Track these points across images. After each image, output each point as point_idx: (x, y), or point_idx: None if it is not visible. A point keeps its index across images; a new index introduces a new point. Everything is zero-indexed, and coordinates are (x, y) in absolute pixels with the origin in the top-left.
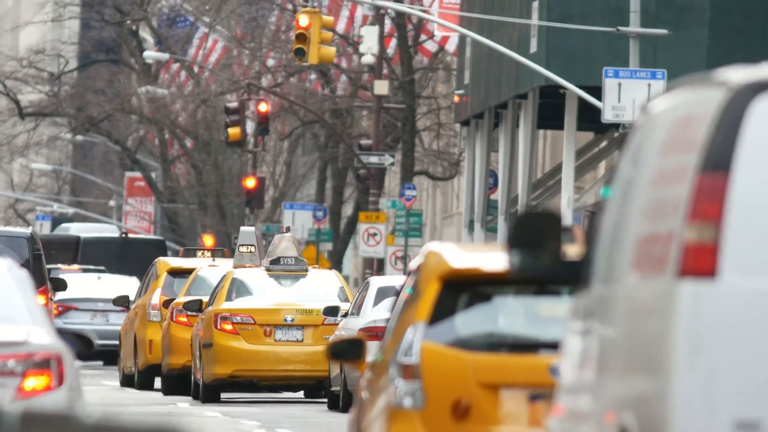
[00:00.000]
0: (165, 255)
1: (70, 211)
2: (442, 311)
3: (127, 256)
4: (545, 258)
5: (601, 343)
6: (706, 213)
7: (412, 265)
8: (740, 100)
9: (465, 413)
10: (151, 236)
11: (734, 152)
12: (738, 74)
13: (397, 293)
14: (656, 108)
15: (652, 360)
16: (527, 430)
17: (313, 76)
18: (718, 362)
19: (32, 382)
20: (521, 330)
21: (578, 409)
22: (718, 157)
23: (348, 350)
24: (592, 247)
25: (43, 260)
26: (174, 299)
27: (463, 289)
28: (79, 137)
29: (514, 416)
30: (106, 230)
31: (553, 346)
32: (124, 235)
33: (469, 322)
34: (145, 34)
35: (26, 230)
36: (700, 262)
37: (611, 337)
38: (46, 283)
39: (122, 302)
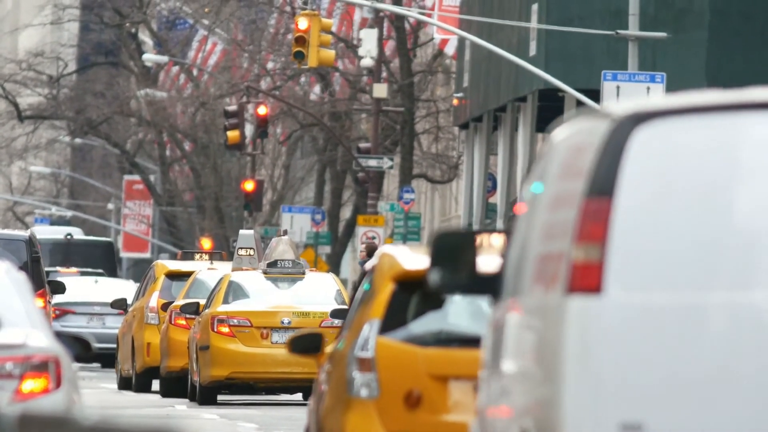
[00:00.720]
0: (113, 257)
1: (69, 214)
2: (395, 309)
3: (72, 257)
4: (462, 274)
5: (506, 354)
6: (591, 235)
7: (368, 266)
8: (622, 130)
9: (417, 403)
10: (100, 238)
11: (617, 179)
12: (621, 107)
13: (354, 291)
14: (557, 137)
15: (546, 369)
16: (473, 418)
17: (303, 80)
18: (603, 370)
19: (30, 385)
20: (467, 327)
21: (495, 414)
22: (602, 184)
23: (308, 344)
24: (504, 263)
25: (42, 263)
26: (171, 302)
27: (415, 289)
28: (78, 140)
29: (462, 405)
30: (58, 232)
31: None
32: (69, 237)
33: (420, 319)
34: (145, 36)
35: (25, 233)
36: (587, 279)
37: (515, 347)
38: (45, 286)
39: (120, 305)
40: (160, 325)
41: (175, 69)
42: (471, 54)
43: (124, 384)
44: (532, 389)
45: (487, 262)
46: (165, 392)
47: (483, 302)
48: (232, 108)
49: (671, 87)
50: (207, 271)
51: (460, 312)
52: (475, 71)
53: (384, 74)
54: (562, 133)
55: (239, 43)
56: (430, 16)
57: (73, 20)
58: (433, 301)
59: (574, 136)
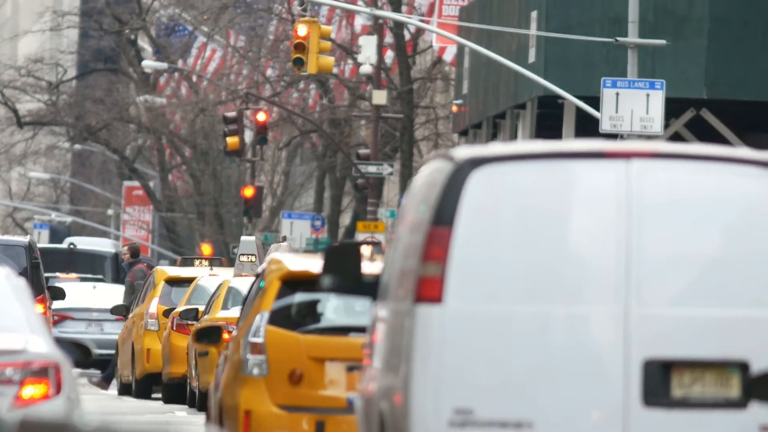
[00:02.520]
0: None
1: (68, 219)
2: (281, 303)
3: (74, 266)
4: (349, 279)
5: (378, 347)
6: (434, 256)
7: (259, 270)
8: (462, 172)
9: (299, 380)
10: (103, 249)
11: (456, 211)
12: (462, 152)
13: (248, 292)
14: (421, 172)
15: (399, 363)
16: (345, 392)
17: (301, 85)
18: (442, 366)
19: (30, 391)
20: (340, 318)
21: (369, 396)
22: (444, 215)
23: (209, 335)
24: (382, 271)
25: (41, 269)
26: (172, 308)
27: (298, 287)
28: (78, 146)
29: (336, 382)
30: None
31: (364, 330)
32: (72, 246)
33: (302, 311)
34: (144, 43)
35: (24, 239)
36: (430, 292)
37: (382, 343)
38: (44, 291)
39: (120, 311)
40: (160, 331)
41: (175, 75)
42: (470, 61)
43: (124, 390)
44: (389, 378)
45: (368, 269)
46: (167, 398)
47: (356, 299)
48: (232, 114)
49: (671, 94)
50: (209, 277)
51: (335, 306)
52: (474, 78)
53: (383, 81)
54: (423, 170)
55: (238, 49)
56: (429, 23)
57: (73, 27)
58: (312, 296)
59: (429, 174)
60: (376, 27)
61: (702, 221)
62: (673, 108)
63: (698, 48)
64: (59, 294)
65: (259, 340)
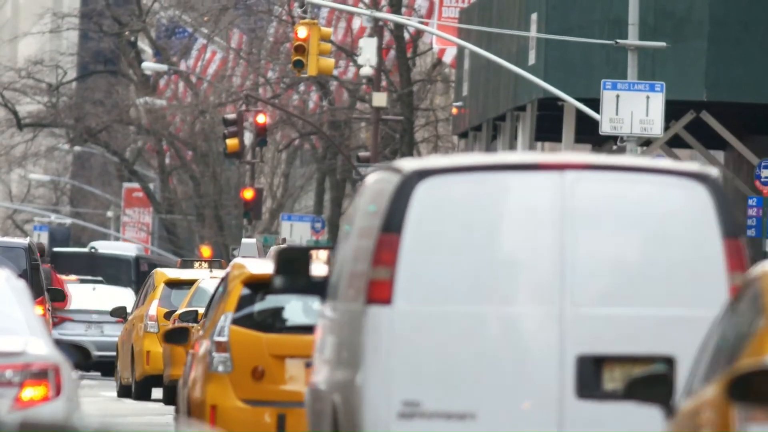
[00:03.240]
0: (137, 270)
1: (68, 221)
2: (244, 304)
3: (95, 269)
4: (299, 280)
5: (328, 343)
6: (383, 260)
7: (223, 274)
8: (409, 183)
9: (261, 376)
10: (124, 252)
11: (404, 219)
12: (409, 164)
13: (213, 294)
14: (367, 182)
15: (352, 358)
16: (305, 387)
17: (302, 88)
18: (392, 362)
19: (30, 393)
20: (299, 318)
21: (319, 388)
22: (393, 223)
23: (178, 336)
24: (330, 272)
25: (41, 270)
26: (172, 311)
27: (259, 289)
28: (77, 148)
29: (295, 378)
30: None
31: None
32: (93, 250)
33: (263, 312)
34: (144, 45)
35: (24, 241)
36: (380, 294)
37: (332, 339)
38: (44, 293)
39: (119, 313)
40: (160, 333)
41: (175, 77)
42: (470, 63)
43: (124, 392)
44: (341, 373)
45: (317, 271)
46: (168, 400)
47: (313, 300)
48: (232, 116)
49: (670, 96)
50: (210, 279)
51: (294, 306)
52: (474, 80)
53: (383, 83)
54: (370, 179)
55: (239, 51)
56: (428, 25)
57: (73, 29)
58: (273, 297)
59: (377, 184)
60: (376, 29)
61: (630, 228)
62: (673, 110)
63: (698, 50)
64: (59, 296)
65: (223, 339)
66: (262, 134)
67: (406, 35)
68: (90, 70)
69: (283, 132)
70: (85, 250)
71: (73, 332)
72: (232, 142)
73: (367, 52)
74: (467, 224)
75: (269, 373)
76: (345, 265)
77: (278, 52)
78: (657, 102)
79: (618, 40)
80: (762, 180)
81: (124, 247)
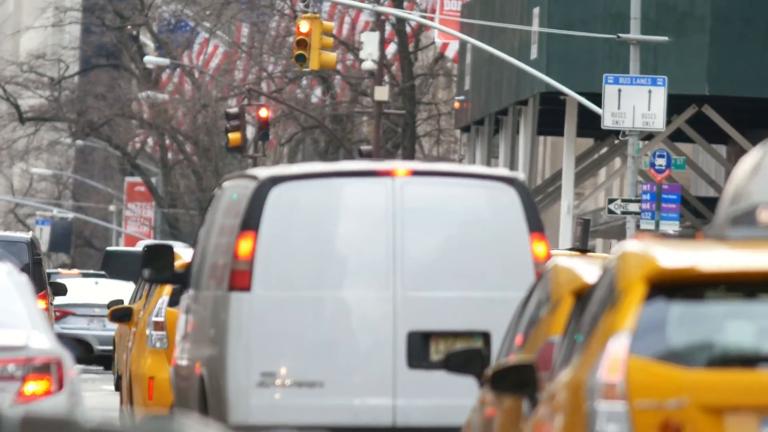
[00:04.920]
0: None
1: (70, 215)
2: (176, 290)
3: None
4: (164, 272)
5: (192, 325)
6: (243, 254)
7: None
8: (264, 187)
9: None
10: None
11: (260, 219)
12: (263, 172)
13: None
14: (224, 186)
15: (217, 337)
16: None
17: (304, 83)
18: (251, 340)
19: (32, 387)
20: None
21: (183, 365)
22: (250, 222)
23: (122, 314)
24: (190, 266)
25: (43, 265)
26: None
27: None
28: (80, 142)
29: None
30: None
31: None
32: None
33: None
34: (146, 39)
35: (26, 235)
36: (240, 282)
37: (197, 321)
38: (46, 287)
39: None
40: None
41: (177, 71)
42: (472, 57)
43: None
44: (207, 350)
45: (179, 263)
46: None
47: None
48: (234, 110)
49: (672, 90)
50: None
51: None
52: (476, 74)
53: (385, 77)
54: (227, 184)
55: (240, 45)
56: (431, 19)
57: (75, 22)
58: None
59: (234, 188)
60: (378, 23)
61: (451, 224)
62: (675, 104)
63: (700, 44)
64: (61, 290)
65: (160, 319)
66: (264, 128)
67: (408, 29)
68: (92, 64)
69: (285, 126)
70: (138, 249)
71: (76, 326)
72: (234, 136)
73: (369, 46)
74: (313, 222)
75: None
76: (206, 259)
77: (280, 47)
78: (659, 96)
79: (620, 35)
80: None
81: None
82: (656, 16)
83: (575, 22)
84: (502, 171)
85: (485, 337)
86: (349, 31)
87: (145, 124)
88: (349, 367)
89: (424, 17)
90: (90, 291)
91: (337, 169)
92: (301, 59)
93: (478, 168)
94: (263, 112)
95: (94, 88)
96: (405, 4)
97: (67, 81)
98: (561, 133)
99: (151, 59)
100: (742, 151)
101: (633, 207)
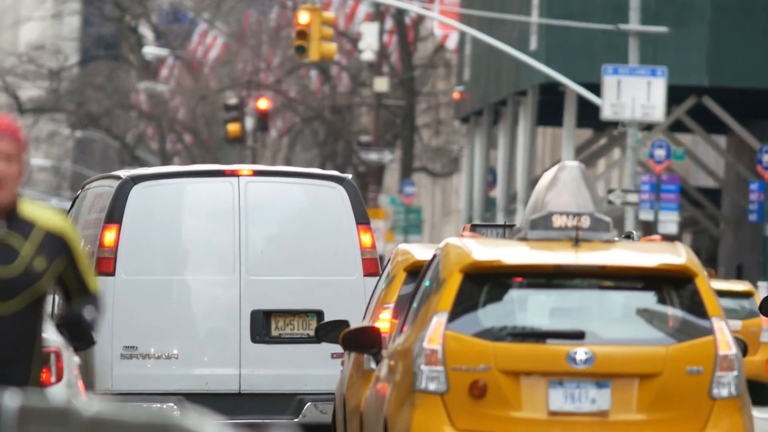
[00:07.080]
0: None
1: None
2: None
3: None
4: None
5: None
6: (108, 243)
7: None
8: (126, 186)
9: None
10: None
11: (123, 213)
12: (125, 173)
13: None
14: (87, 187)
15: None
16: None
17: (313, 72)
18: (115, 318)
19: None
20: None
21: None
22: (114, 215)
23: None
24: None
25: None
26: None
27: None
28: (79, 133)
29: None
30: None
31: None
32: None
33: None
34: (145, 30)
35: None
36: (106, 268)
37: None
38: None
39: None
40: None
41: (176, 62)
42: (472, 48)
43: None
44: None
45: None
46: None
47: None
48: (233, 101)
49: (672, 81)
50: None
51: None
52: (475, 65)
53: (385, 68)
54: (92, 185)
55: (240, 36)
56: (430, 10)
57: (74, 13)
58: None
59: (100, 187)
60: (378, 14)
61: (288, 218)
62: (674, 95)
63: (700, 35)
64: None
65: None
66: (263, 119)
67: (408, 20)
68: (91, 55)
69: (284, 117)
70: None
71: None
72: (233, 127)
73: (369, 37)
74: (170, 216)
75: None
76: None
77: (280, 38)
78: (658, 87)
79: (619, 25)
80: (763, 165)
81: None
82: (656, 7)
83: (574, 13)
84: (333, 172)
85: (318, 314)
86: (345, 22)
87: (144, 115)
88: (201, 341)
89: (424, 8)
90: None
91: (190, 169)
92: (301, 50)
93: (312, 169)
94: (262, 104)
95: (93, 79)
96: None
97: (67, 72)
98: (560, 124)
99: (150, 50)
100: (741, 142)
101: (632, 197)
